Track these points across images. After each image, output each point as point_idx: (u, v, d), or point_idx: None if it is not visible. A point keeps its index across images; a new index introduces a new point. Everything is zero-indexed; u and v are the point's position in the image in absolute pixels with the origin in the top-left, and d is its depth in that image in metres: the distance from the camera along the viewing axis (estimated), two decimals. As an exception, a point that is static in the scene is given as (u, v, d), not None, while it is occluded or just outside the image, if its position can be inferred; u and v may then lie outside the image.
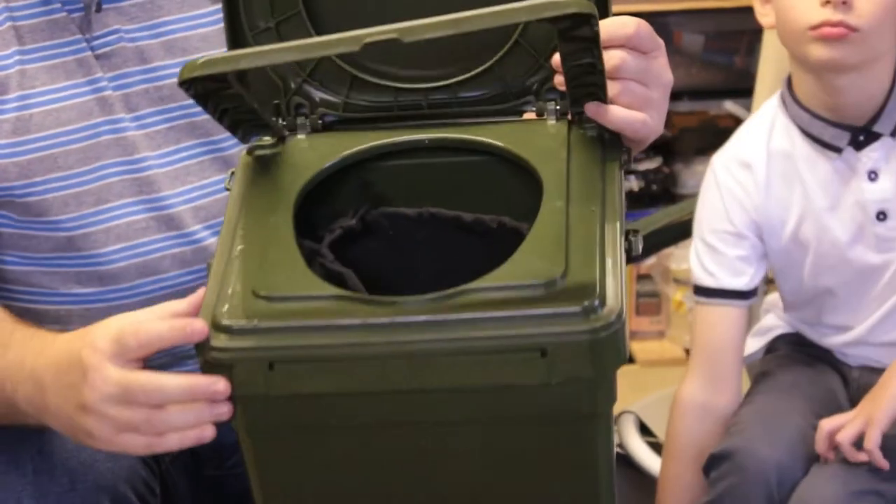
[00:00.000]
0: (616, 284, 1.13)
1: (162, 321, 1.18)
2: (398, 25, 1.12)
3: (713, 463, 1.76)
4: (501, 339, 1.11)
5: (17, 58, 1.46)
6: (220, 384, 1.15)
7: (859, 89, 1.80)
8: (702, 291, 1.90)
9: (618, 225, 1.20)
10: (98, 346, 1.20)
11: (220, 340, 1.14)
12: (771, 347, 1.99)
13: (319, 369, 1.13)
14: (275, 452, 1.20)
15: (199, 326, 1.15)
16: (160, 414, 1.18)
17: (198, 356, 1.16)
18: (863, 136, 1.81)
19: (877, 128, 1.81)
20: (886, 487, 1.71)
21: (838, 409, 1.80)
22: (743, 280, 1.87)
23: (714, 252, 1.88)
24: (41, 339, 1.32)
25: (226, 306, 1.16)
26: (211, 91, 1.23)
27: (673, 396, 1.88)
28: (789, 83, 1.87)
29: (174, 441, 1.19)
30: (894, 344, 1.86)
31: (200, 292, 1.19)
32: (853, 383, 1.89)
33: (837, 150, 1.82)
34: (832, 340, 1.91)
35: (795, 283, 1.90)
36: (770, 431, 1.76)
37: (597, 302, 1.11)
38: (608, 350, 1.11)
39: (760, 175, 1.87)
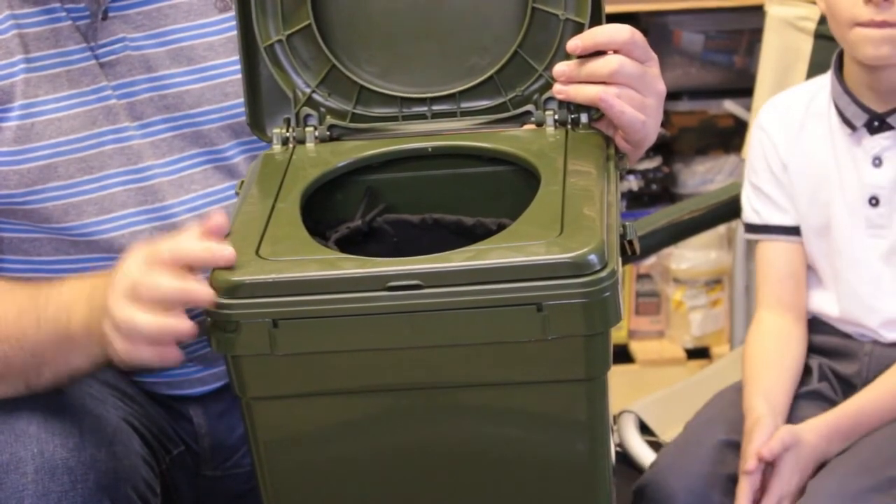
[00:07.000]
0: (611, 246, 1.17)
1: (195, 241, 1.22)
2: (422, 268, 1.16)
3: (634, 500, 1.79)
4: (498, 293, 1.14)
5: (22, 66, 1.46)
6: (203, 292, 1.19)
7: (893, 82, 1.84)
8: (751, 228, 1.97)
9: (614, 209, 1.23)
10: (129, 254, 1.26)
11: (226, 299, 1.17)
12: None
13: (323, 326, 1.16)
14: (278, 420, 1.22)
15: (227, 252, 1.19)
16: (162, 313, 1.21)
17: (205, 315, 1.19)
18: (878, 122, 1.85)
19: (892, 120, 1.84)
20: None
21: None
22: (788, 217, 1.92)
23: (757, 191, 1.94)
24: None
25: (231, 268, 1.18)
26: None
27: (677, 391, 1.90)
28: (840, 53, 1.90)
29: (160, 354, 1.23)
30: None
31: (222, 218, 1.23)
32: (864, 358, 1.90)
33: (853, 127, 1.86)
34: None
35: (815, 249, 1.93)
36: (681, 458, 1.78)
37: (592, 257, 1.14)
38: (602, 306, 1.15)
39: (795, 121, 1.92)
